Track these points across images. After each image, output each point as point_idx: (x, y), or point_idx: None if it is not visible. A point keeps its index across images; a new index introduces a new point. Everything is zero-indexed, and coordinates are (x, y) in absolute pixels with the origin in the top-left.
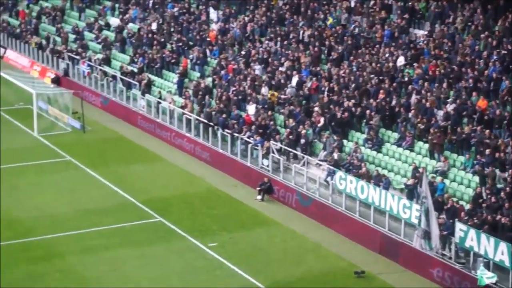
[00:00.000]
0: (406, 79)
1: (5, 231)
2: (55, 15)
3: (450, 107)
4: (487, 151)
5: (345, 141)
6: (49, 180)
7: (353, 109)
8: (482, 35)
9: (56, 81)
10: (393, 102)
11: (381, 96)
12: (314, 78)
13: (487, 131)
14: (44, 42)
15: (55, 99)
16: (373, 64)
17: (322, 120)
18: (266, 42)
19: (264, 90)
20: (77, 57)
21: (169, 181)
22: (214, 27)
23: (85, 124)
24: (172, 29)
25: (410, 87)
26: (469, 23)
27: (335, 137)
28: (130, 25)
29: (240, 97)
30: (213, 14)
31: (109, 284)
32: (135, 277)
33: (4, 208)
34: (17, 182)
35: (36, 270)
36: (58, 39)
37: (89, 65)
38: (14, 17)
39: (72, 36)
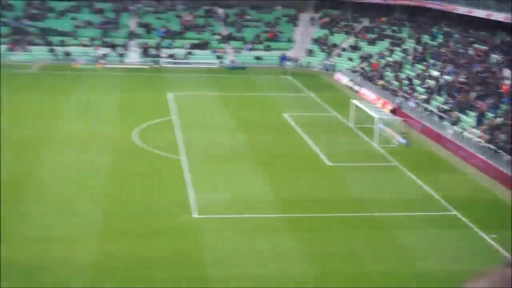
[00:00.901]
0: None
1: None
2: (395, 66)
3: None
4: None
5: None
6: (371, 176)
7: None
8: None
9: (393, 111)
10: None
11: None
12: None
13: None
14: (386, 84)
15: (390, 123)
16: None
17: None
18: None
19: None
20: (408, 96)
21: (461, 187)
22: (507, 82)
23: (409, 142)
24: (475, 82)
25: None
26: None
27: None
28: (446, 77)
29: None
30: (507, 72)
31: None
32: (422, 252)
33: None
34: (342, 175)
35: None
36: (396, 83)
37: (416, 103)
38: (368, 66)
39: (405, 82)
